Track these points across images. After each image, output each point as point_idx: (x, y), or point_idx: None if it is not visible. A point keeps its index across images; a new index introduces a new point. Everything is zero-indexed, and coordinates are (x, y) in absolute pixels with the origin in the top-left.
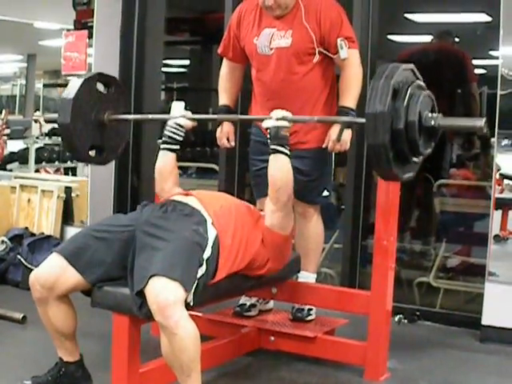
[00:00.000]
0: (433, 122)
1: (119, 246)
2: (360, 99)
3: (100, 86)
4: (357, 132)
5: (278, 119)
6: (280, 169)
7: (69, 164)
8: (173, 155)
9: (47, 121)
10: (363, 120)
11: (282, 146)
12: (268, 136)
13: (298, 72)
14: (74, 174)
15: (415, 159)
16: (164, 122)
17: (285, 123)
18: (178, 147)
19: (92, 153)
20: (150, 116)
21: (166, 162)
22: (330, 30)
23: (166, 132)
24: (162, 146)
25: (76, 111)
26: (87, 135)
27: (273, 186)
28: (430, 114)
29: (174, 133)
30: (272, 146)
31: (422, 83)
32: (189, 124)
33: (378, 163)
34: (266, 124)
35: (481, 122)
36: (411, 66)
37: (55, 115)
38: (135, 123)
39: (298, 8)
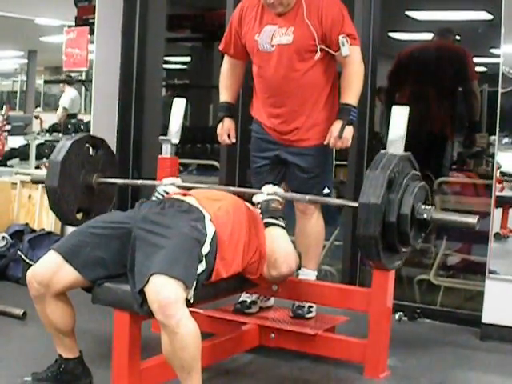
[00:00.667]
0: (425, 216)
1: (117, 243)
2: (361, 97)
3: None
4: (358, 129)
5: (268, 194)
6: (275, 241)
7: None
8: None
9: (34, 182)
10: (356, 204)
11: (274, 218)
12: (259, 210)
13: (299, 69)
14: None
15: (404, 250)
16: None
17: (275, 197)
18: None
19: (79, 216)
20: (140, 181)
21: None
22: (331, 27)
23: (153, 198)
24: None
25: (64, 174)
26: (75, 198)
27: (271, 257)
28: (423, 207)
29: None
30: (265, 220)
31: (417, 173)
32: (177, 192)
33: (368, 254)
34: (256, 199)
35: (474, 220)
36: (408, 154)
37: (43, 175)
38: (137, 120)
39: (299, 5)
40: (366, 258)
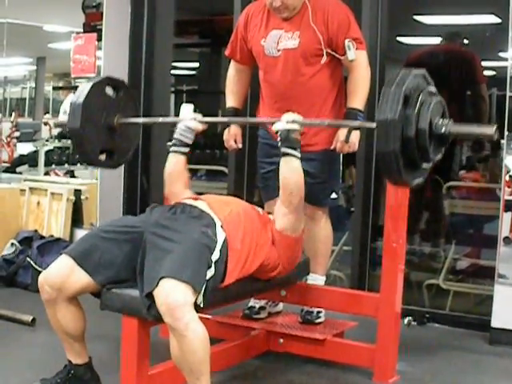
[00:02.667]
0: (443, 129)
1: (128, 246)
2: (368, 101)
3: (109, 90)
4: (366, 134)
5: (288, 122)
6: (292, 172)
7: (66, 167)
8: (182, 158)
9: (57, 126)
10: (373, 125)
11: (293, 148)
12: (278, 139)
13: (305, 73)
14: (72, 177)
15: (425, 165)
16: (174, 125)
17: (295, 126)
18: (187, 150)
19: (102, 157)
20: (160, 119)
21: (175, 165)
22: (337, 31)
23: (175, 135)
24: (172, 149)
25: (86, 116)
26: (97, 139)
27: (285, 190)
28: (440, 121)
29: (183, 135)
30: (283, 150)
31: (433, 89)
32: (199, 127)
33: (388, 171)
34: (276, 127)
35: (491, 130)
36: (423, 71)
37: (65, 120)
38: (144, 126)
39: (305, 9)
40: (387, 175)
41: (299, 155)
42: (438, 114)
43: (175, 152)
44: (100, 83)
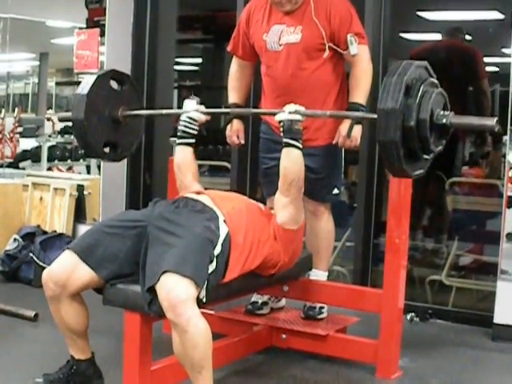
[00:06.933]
0: (444, 120)
1: (131, 241)
2: (370, 96)
3: (113, 83)
4: (369, 129)
5: (290, 113)
6: (293, 162)
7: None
8: (190, 149)
9: (61, 119)
10: (375, 116)
11: (295, 139)
12: (281, 129)
13: (307, 68)
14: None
15: (426, 156)
16: (177, 119)
17: (298, 117)
18: (193, 141)
19: (106, 149)
20: (164, 111)
21: (183, 157)
22: (339, 25)
23: (179, 127)
24: (178, 141)
25: (90, 107)
26: (101, 132)
27: (285, 180)
28: (441, 112)
29: (187, 127)
30: (285, 140)
31: (435, 81)
32: (202, 118)
33: (389, 160)
34: (278, 117)
35: (492, 122)
36: (425, 63)
37: (69, 114)
38: (147, 121)
39: (307, 4)
40: (388, 165)
41: (301, 146)
42: (439, 106)
43: (181, 144)
44: (104, 76)
